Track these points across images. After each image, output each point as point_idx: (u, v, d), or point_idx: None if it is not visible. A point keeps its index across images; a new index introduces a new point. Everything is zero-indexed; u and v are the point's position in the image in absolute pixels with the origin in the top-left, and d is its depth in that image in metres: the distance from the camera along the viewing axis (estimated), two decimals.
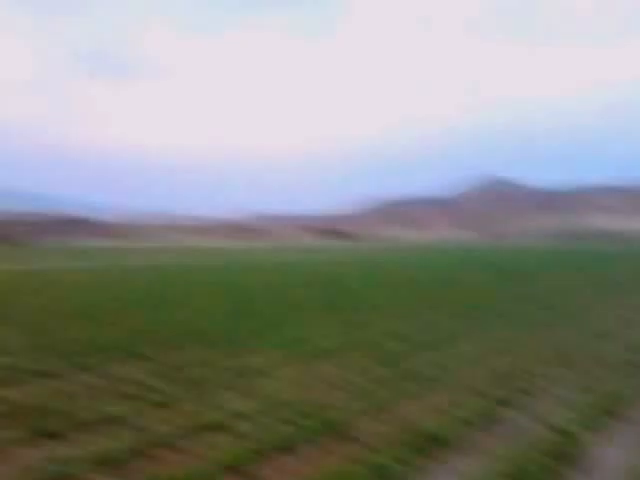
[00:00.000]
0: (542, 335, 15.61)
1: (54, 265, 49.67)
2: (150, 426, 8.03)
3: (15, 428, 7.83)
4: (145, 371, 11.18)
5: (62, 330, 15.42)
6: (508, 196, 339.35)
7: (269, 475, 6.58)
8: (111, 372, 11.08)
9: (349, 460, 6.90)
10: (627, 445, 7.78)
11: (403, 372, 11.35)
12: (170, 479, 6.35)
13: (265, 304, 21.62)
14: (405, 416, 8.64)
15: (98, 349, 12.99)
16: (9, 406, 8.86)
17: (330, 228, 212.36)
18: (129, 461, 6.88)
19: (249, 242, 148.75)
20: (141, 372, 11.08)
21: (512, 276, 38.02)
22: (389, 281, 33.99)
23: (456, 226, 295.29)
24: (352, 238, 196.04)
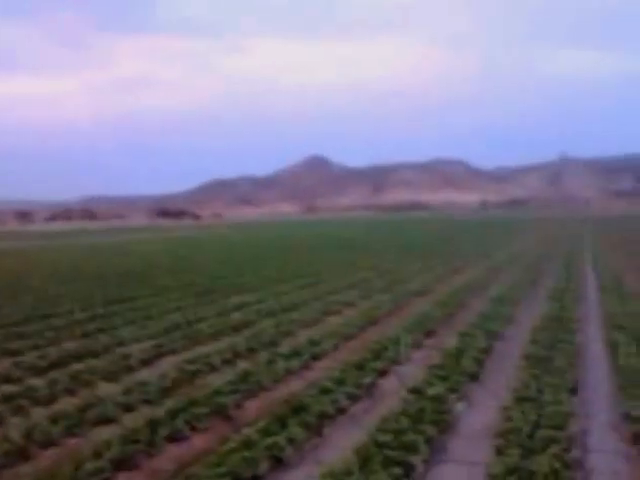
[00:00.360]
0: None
1: None
2: None
3: None
4: None
5: None
6: (325, 173, 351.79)
7: None
8: None
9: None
10: None
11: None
12: None
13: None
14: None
15: None
16: None
17: (166, 208, 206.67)
18: None
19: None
20: None
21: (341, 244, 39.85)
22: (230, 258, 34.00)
23: (281, 200, 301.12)
24: (194, 218, 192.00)
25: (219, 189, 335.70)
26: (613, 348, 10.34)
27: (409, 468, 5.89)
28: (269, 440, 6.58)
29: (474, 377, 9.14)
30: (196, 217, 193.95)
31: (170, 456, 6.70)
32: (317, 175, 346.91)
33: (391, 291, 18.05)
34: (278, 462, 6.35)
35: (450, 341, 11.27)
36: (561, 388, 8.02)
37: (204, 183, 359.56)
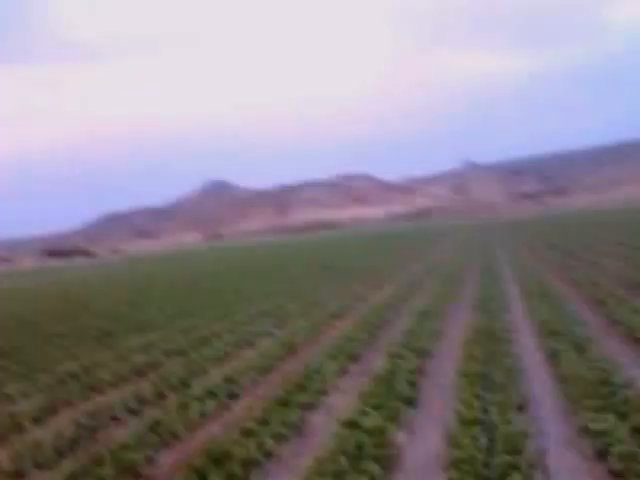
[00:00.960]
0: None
1: None
2: None
3: None
4: None
5: None
6: (228, 197, 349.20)
7: None
8: None
9: None
10: None
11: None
12: None
13: None
14: None
15: None
16: None
17: (55, 248, 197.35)
18: None
19: None
20: None
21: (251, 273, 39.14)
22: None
23: (183, 230, 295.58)
24: (87, 254, 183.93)
25: (115, 223, 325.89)
26: (553, 357, 10.26)
27: None
28: None
29: (411, 402, 8.76)
30: (88, 254, 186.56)
31: None
32: (219, 200, 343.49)
33: (308, 315, 17.56)
34: None
35: (378, 364, 10.89)
36: (507, 406, 7.75)
37: (98, 218, 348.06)
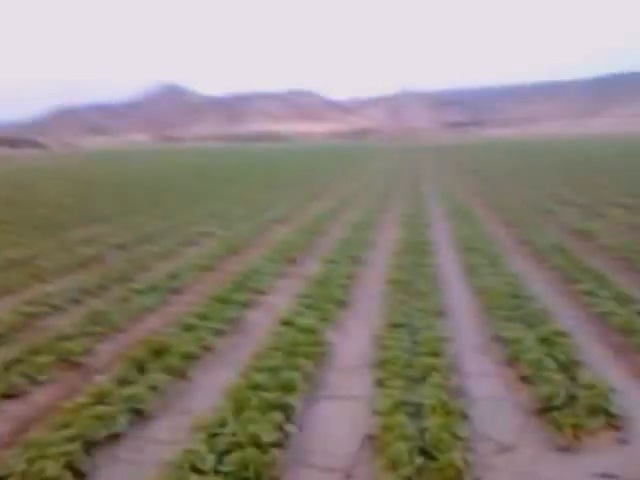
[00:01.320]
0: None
1: None
2: None
3: None
4: None
5: None
6: (183, 102, 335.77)
7: None
8: None
9: None
10: None
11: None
12: None
13: None
14: None
15: None
16: None
17: (6, 136, 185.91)
18: None
19: None
20: None
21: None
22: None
23: (135, 130, 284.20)
24: (37, 146, 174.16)
25: (68, 118, 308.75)
26: (470, 270, 10.26)
27: (289, 411, 5.16)
28: (127, 390, 5.55)
29: (343, 305, 8.59)
30: (38, 145, 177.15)
31: (4, 417, 5.46)
32: (172, 104, 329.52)
33: (251, 220, 17.11)
34: (139, 415, 5.36)
35: (314, 269, 10.66)
36: (429, 312, 7.66)
37: (51, 111, 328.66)
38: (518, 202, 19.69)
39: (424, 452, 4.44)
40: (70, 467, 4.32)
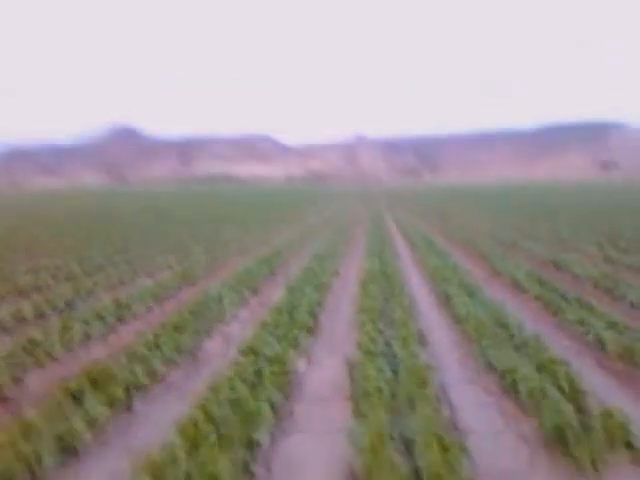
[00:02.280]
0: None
1: None
2: None
3: None
4: None
5: None
6: (136, 144, 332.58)
7: None
8: None
9: None
10: None
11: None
12: None
13: None
14: None
15: None
16: None
17: None
18: None
19: None
20: None
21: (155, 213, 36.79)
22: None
23: (87, 171, 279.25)
24: None
25: (17, 158, 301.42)
26: (446, 299, 9.58)
27: (254, 446, 4.29)
28: (59, 425, 4.58)
29: (311, 332, 7.76)
30: None
31: None
32: (125, 145, 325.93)
33: (209, 253, 16.18)
34: (71, 453, 4.40)
35: (278, 297, 9.82)
36: (408, 341, 6.89)
37: (1, 151, 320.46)
38: (480, 236, 19.33)
39: None
40: None
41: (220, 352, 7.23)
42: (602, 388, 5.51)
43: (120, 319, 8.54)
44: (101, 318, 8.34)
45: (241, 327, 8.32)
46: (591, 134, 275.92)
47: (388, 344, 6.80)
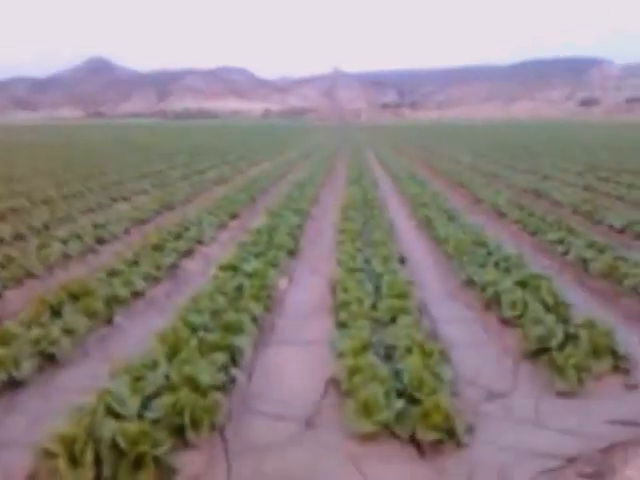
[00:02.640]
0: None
1: None
2: None
3: None
4: None
5: None
6: (111, 77, 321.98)
7: None
8: None
9: None
10: None
11: None
12: None
13: None
14: None
15: None
16: None
17: None
18: None
19: None
20: None
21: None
22: None
23: (63, 105, 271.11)
24: None
25: None
26: (427, 223, 9.56)
27: (235, 352, 4.27)
28: (35, 332, 4.51)
29: (292, 252, 7.72)
30: None
31: None
32: (99, 78, 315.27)
33: (187, 180, 15.92)
34: (49, 360, 4.35)
35: (258, 221, 9.72)
36: (389, 259, 6.86)
37: None
38: (461, 167, 19.28)
39: (403, 395, 3.65)
40: None
41: (200, 271, 7.17)
42: (585, 306, 5.51)
43: (98, 240, 8.39)
44: (79, 238, 8.18)
45: (221, 248, 8.24)
46: (571, 70, 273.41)
47: (368, 262, 6.78)
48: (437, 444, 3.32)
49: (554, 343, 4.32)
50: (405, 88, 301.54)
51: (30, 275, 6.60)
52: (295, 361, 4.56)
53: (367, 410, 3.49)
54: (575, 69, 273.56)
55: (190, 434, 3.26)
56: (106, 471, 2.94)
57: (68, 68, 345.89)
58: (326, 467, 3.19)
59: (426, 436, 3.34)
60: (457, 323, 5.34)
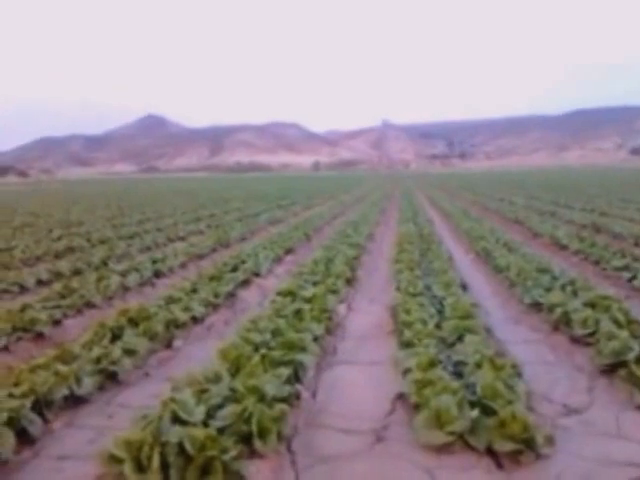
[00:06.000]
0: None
1: None
2: None
3: None
4: None
5: None
6: (165, 133, 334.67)
7: None
8: None
9: None
10: None
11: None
12: None
13: None
14: None
15: None
16: None
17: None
18: None
19: None
20: None
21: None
22: None
23: (118, 160, 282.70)
24: (21, 175, 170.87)
25: (49, 148, 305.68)
26: (486, 255, 9.32)
27: (298, 368, 4.16)
28: (97, 351, 4.52)
29: (349, 281, 7.61)
30: (23, 174, 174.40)
31: None
32: (154, 134, 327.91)
33: (242, 224, 16.09)
34: (110, 379, 4.33)
35: (314, 255, 9.67)
36: (450, 285, 6.68)
37: (33, 141, 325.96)
38: (515, 208, 18.93)
39: (477, 405, 3.45)
40: (12, 425, 3.28)
41: (257, 301, 7.13)
42: None
43: (156, 274, 8.49)
44: (137, 271, 8.30)
45: (277, 280, 8.20)
46: (621, 119, 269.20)
47: (428, 288, 6.62)
48: (515, 455, 3.10)
49: (631, 356, 4.06)
50: (454, 139, 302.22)
51: (89, 305, 6.69)
52: (359, 380, 4.40)
53: (439, 421, 3.31)
54: (625, 118, 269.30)
55: (257, 443, 3.14)
56: (173, 476, 2.85)
57: (123, 125, 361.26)
58: (400, 478, 3.01)
59: (503, 447, 3.13)
60: (524, 344, 5.09)
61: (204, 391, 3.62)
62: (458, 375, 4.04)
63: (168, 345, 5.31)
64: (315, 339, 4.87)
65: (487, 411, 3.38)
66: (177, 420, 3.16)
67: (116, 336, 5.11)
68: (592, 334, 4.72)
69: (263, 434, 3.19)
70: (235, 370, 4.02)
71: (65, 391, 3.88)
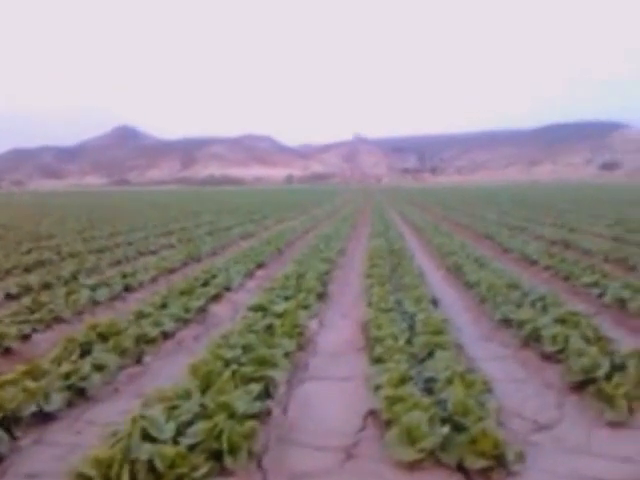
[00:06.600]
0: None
1: None
2: None
3: None
4: None
5: None
6: (137, 145, 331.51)
7: None
8: None
9: None
10: None
11: None
12: None
13: None
14: None
15: None
16: None
17: None
18: None
19: None
20: None
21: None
22: None
23: (89, 173, 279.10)
24: None
25: (21, 159, 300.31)
26: (456, 269, 9.43)
27: (269, 384, 4.14)
28: (66, 367, 4.44)
29: (321, 296, 7.62)
30: None
31: None
32: (126, 146, 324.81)
33: (213, 237, 16.01)
34: (79, 395, 4.26)
35: (285, 270, 9.66)
36: (421, 300, 6.73)
37: (4, 152, 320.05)
38: (485, 222, 19.20)
39: (448, 422, 3.47)
40: None
41: (228, 316, 7.08)
42: (626, 342, 5.30)
43: (126, 288, 8.38)
44: (107, 285, 8.18)
45: (249, 295, 8.16)
46: (592, 134, 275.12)
47: (399, 303, 6.65)
48: (486, 472, 3.13)
49: (601, 373, 4.13)
50: (426, 153, 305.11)
51: (59, 319, 6.58)
52: (330, 396, 4.40)
53: (411, 437, 3.33)
54: (596, 133, 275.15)
55: (228, 460, 3.12)
56: None
57: (96, 136, 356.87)
58: None
59: (474, 464, 3.15)
60: (494, 361, 5.15)
61: (174, 407, 3.58)
62: (429, 391, 4.06)
63: (138, 360, 5.24)
64: (286, 355, 4.86)
65: (458, 428, 3.41)
66: (147, 437, 3.12)
67: (85, 351, 5.04)
68: (562, 351, 4.80)
69: (234, 451, 3.17)
70: (205, 386, 3.99)
71: (34, 407, 3.80)
